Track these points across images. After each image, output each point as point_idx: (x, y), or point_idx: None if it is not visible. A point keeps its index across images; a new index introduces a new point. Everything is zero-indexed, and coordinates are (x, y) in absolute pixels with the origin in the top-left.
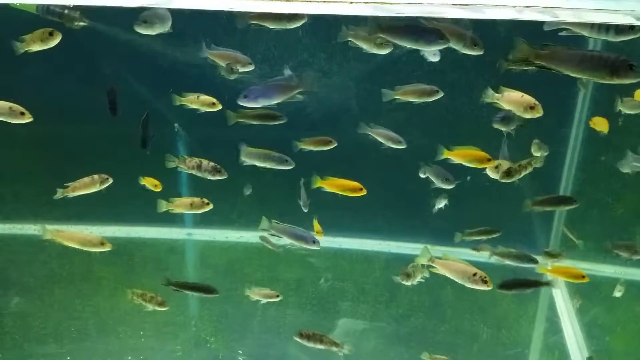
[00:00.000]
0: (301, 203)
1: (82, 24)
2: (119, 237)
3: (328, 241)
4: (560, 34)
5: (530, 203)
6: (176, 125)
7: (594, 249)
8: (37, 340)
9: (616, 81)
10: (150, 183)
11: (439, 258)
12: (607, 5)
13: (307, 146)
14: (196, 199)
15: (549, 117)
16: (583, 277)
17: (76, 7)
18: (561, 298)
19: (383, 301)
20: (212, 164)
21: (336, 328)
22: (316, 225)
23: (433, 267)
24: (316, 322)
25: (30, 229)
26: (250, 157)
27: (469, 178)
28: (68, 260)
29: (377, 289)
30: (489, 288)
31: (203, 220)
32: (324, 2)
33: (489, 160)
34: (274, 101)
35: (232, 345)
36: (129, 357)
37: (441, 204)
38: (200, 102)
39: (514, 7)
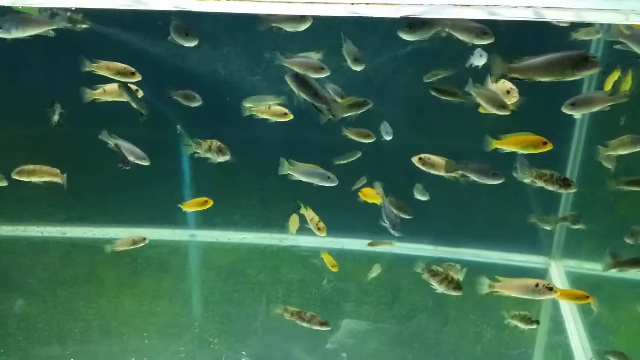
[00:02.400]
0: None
1: (84, 26)
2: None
3: (331, 242)
4: (615, 47)
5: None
6: (178, 127)
7: (597, 248)
8: (41, 342)
9: (579, 75)
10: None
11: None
12: (609, 4)
13: (351, 135)
14: (315, 218)
15: (551, 116)
16: (587, 297)
17: (78, 10)
18: None
19: (386, 302)
20: (218, 144)
21: (339, 329)
22: (327, 257)
23: (496, 292)
24: None
25: (33, 231)
26: (294, 171)
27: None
28: (71, 262)
29: (380, 290)
30: (557, 294)
31: (206, 222)
32: (325, 3)
33: (545, 144)
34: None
35: (236, 346)
36: (133, 359)
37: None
38: (271, 112)
39: (515, 7)
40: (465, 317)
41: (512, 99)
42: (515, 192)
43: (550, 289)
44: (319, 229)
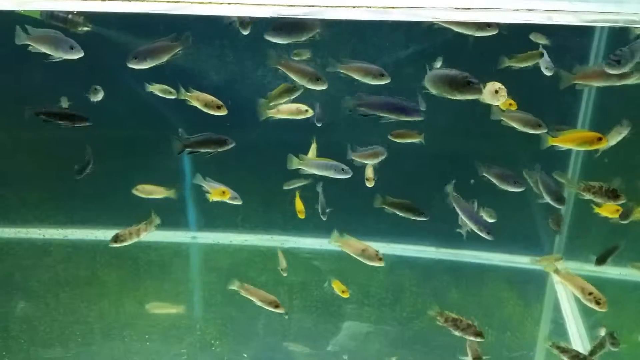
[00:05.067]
0: (319, 210)
1: (85, 29)
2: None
3: (332, 244)
4: None
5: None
6: (180, 130)
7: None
8: (43, 344)
9: (459, 97)
10: (217, 194)
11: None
12: (610, 7)
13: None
14: (370, 249)
15: (553, 120)
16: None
17: (80, 13)
18: (566, 300)
19: (387, 304)
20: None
21: (341, 331)
22: (338, 285)
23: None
24: (321, 325)
25: (35, 233)
26: (305, 166)
27: (472, 181)
28: (73, 264)
29: (382, 292)
30: (603, 310)
31: (207, 224)
32: (327, 6)
33: (600, 140)
34: (161, 61)
35: (237, 348)
36: None
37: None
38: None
39: (517, 10)
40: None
41: (501, 99)
42: (517, 194)
43: (599, 302)
44: (380, 259)
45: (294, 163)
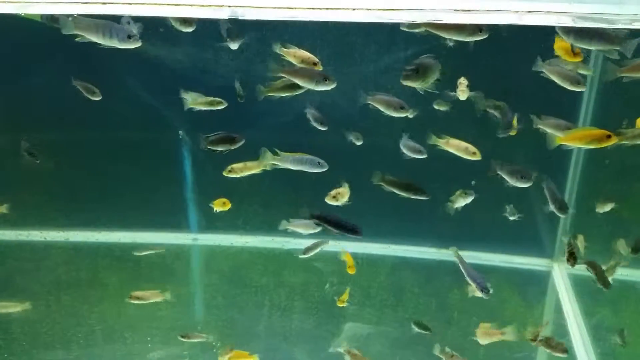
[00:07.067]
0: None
1: None
2: (124, 242)
3: (333, 245)
4: None
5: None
6: (181, 132)
7: (600, 251)
8: (45, 346)
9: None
10: (219, 204)
11: None
12: (609, 9)
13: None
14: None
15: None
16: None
17: (81, 16)
18: (568, 301)
19: (389, 305)
20: None
21: (342, 332)
22: (348, 258)
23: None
24: (322, 326)
25: (36, 236)
26: (280, 161)
27: (474, 183)
28: (74, 266)
29: (383, 293)
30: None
31: (208, 226)
32: (326, 9)
33: (609, 137)
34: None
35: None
36: None
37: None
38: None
39: (516, 12)
40: (468, 319)
41: (462, 94)
42: (518, 194)
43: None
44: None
45: (268, 158)
